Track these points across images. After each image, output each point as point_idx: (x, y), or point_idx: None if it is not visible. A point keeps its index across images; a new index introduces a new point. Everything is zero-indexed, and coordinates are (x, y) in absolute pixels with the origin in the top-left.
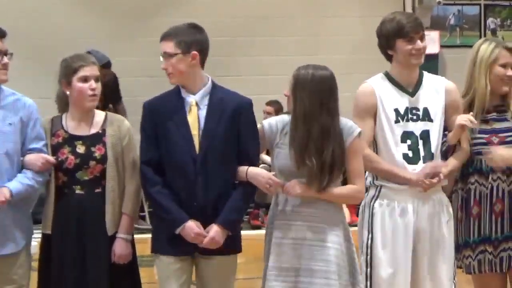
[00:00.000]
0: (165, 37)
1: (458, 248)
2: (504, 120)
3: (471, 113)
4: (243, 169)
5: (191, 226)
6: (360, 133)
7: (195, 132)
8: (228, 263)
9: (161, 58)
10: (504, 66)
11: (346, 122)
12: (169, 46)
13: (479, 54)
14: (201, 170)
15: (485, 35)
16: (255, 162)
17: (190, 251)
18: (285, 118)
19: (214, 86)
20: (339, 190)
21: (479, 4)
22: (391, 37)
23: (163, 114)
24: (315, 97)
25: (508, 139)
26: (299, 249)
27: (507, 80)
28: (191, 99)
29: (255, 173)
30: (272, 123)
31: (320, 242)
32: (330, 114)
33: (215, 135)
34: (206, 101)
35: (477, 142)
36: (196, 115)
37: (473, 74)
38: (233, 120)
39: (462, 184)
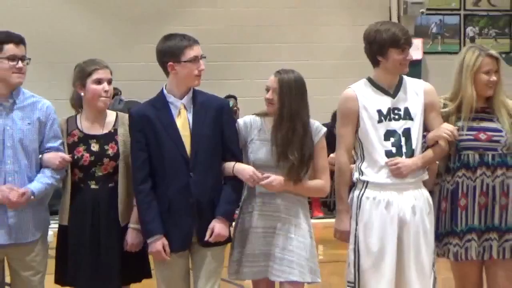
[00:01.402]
0: (197, 42)
1: (438, 236)
2: (491, 121)
3: (459, 123)
4: (229, 164)
5: (159, 245)
6: (325, 132)
7: (186, 133)
8: (221, 251)
9: (201, 62)
10: (487, 72)
11: (313, 122)
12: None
13: (465, 62)
14: (194, 169)
15: (464, 43)
16: (240, 158)
17: (185, 246)
18: (256, 118)
19: (194, 90)
20: (310, 183)
21: (459, 14)
22: (386, 45)
23: (151, 119)
24: (299, 97)
25: (495, 138)
26: (269, 237)
27: (490, 85)
28: (179, 103)
29: (241, 168)
30: (246, 121)
31: (287, 232)
32: (307, 113)
33: (203, 135)
34: (191, 104)
35: (465, 138)
36: (186, 118)
37: (460, 81)
38: (216, 120)
39: (449, 177)
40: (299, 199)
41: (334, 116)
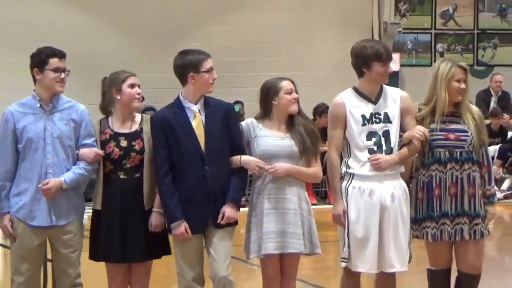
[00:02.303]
0: (210, 55)
1: (417, 221)
2: (459, 123)
3: (432, 125)
4: (236, 158)
5: (182, 229)
6: None
7: (200, 133)
8: (232, 231)
9: (214, 72)
10: (458, 81)
11: None
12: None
13: (439, 72)
14: (208, 162)
15: (435, 57)
16: (244, 152)
17: (202, 228)
18: (254, 120)
19: (205, 96)
20: (308, 169)
21: (430, 33)
22: (370, 59)
23: (170, 122)
24: None
25: (462, 138)
26: (281, 216)
27: (460, 92)
28: (194, 108)
29: (247, 160)
30: (248, 123)
31: (293, 211)
32: None
33: (215, 134)
34: (203, 108)
35: (437, 138)
36: (200, 120)
37: (435, 87)
38: (225, 121)
39: (424, 171)
40: (300, 184)
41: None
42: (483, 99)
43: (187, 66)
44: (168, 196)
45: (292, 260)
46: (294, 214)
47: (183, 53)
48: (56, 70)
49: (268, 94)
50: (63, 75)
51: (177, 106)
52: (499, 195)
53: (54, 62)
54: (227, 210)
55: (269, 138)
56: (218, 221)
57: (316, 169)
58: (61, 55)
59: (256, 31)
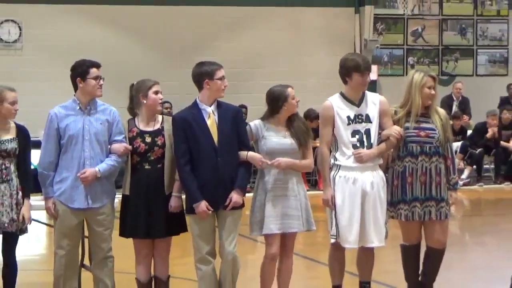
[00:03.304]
0: (222, 66)
1: (393, 204)
2: (428, 123)
3: (406, 124)
4: (243, 153)
5: (203, 206)
6: None
7: (214, 130)
8: (239, 213)
9: (226, 80)
10: (429, 88)
11: None
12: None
13: (414, 80)
14: (220, 155)
15: (406, 69)
16: (249, 146)
17: (215, 210)
18: (261, 121)
19: (217, 100)
20: (303, 161)
21: (403, 48)
22: (351, 70)
23: (189, 121)
24: None
25: (431, 135)
26: (283, 202)
27: (431, 97)
28: (209, 109)
29: (253, 156)
30: (256, 124)
31: (294, 197)
32: None
33: (226, 131)
34: (216, 110)
35: (410, 135)
36: (213, 120)
37: (410, 93)
38: (234, 121)
39: (399, 162)
40: (297, 173)
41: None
42: (446, 103)
43: (203, 74)
44: (189, 181)
45: (291, 237)
46: (294, 199)
47: (200, 64)
48: (96, 78)
49: (279, 99)
50: (101, 81)
51: (195, 108)
52: (460, 183)
53: (94, 71)
54: (235, 196)
55: (274, 138)
56: (226, 204)
57: (309, 161)
58: (98, 65)
59: (257, 47)
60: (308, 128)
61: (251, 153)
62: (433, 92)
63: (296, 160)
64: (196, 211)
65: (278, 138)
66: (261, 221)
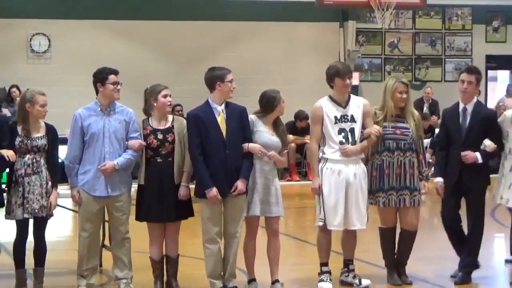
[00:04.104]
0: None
1: (372, 192)
2: (403, 122)
3: (385, 123)
4: (245, 145)
5: (214, 192)
6: None
7: (223, 126)
8: (243, 199)
9: (234, 83)
10: (400, 92)
11: None
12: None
13: (387, 86)
14: (228, 148)
15: (384, 76)
16: (251, 141)
17: (222, 196)
18: (255, 116)
19: (226, 101)
20: (283, 158)
21: (381, 57)
22: (333, 76)
23: (202, 118)
24: None
25: (405, 133)
26: (266, 189)
27: (401, 100)
28: (219, 108)
29: (253, 146)
30: (252, 118)
31: (273, 186)
32: None
33: (233, 127)
34: (225, 109)
35: (387, 133)
36: (223, 117)
37: (385, 97)
38: (239, 119)
39: (378, 156)
40: (275, 168)
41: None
42: (418, 106)
43: (215, 77)
44: (202, 170)
45: (274, 220)
46: (273, 188)
47: (212, 68)
48: (114, 83)
49: (273, 102)
50: (118, 86)
51: (207, 106)
52: (430, 174)
53: (112, 77)
54: (240, 184)
55: (265, 134)
56: (232, 191)
57: (285, 158)
58: (116, 72)
59: (255, 56)
60: (286, 133)
61: (251, 144)
62: (404, 96)
63: (278, 156)
64: (207, 196)
65: (268, 135)
66: (247, 204)
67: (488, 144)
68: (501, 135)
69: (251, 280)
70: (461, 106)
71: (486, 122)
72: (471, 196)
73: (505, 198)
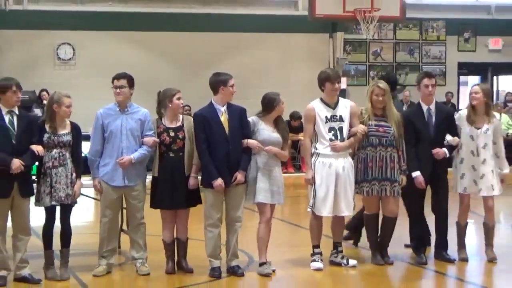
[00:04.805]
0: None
1: (357, 182)
2: (385, 121)
3: (369, 122)
4: (244, 141)
5: (220, 182)
6: None
7: (226, 125)
8: (243, 188)
9: (235, 87)
10: (376, 95)
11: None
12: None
13: (368, 90)
14: (230, 144)
15: (368, 80)
16: (250, 137)
17: (226, 186)
18: (256, 117)
19: (228, 102)
20: (284, 152)
21: (366, 64)
22: (323, 80)
23: (207, 117)
24: None
25: (387, 130)
26: (269, 179)
27: (378, 102)
28: (222, 109)
29: (251, 142)
30: (253, 119)
31: (275, 177)
32: None
33: (234, 126)
34: (227, 109)
35: (371, 130)
36: (226, 117)
37: (368, 100)
38: (240, 118)
39: (362, 151)
40: (277, 160)
41: (290, 117)
42: (397, 107)
43: (219, 82)
44: (208, 163)
45: (274, 207)
46: (278, 179)
47: (216, 73)
48: (115, 87)
49: (273, 103)
50: (118, 89)
51: (211, 107)
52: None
53: (114, 82)
54: (239, 175)
55: (266, 131)
56: (232, 181)
57: (286, 152)
58: (117, 77)
59: (254, 63)
60: (287, 130)
61: (250, 141)
62: (380, 98)
63: (279, 150)
64: (214, 186)
65: (269, 132)
66: (253, 193)
67: (452, 139)
68: (457, 129)
69: (263, 263)
70: (425, 107)
71: (449, 119)
72: (440, 183)
73: (462, 187)
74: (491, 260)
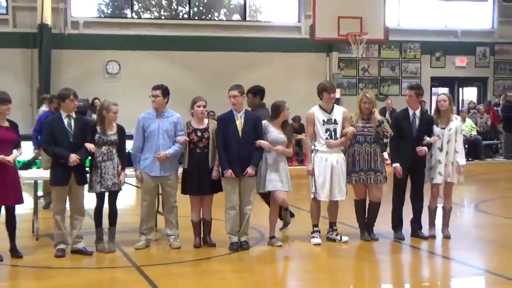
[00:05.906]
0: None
1: (348, 173)
2: (370, 123)
3: (357, 124)
4: (257, 141)
5: (229, 172)
6: None
7: (240, 128)
8: (254, 180)
9: (232, 98)
10: (364, 103)
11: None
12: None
13: (358, 99)
14: (243, 143)
15: (358, 91)
16: (262, 138)
17: (237, 177)
18: (267, 122)
19: (244, 109)
20: (289, 150)
21: (356, 78)
22: (321, 91)
23: (226, 121)
24: None
25: (371, 130)
26: (277, 172)
27: (366, 108)
28: (238, 115)
29: (263, 143)
30: (264, 123)
31: (282, 168)
32: None
33: (247, 130)
34: (243, 115)
35: (359, 130)
36: (241, 121)
37: (358, 106)
38: (253, 124)
39: (352, 147)
40: (284, 157)
41: (292, 121)
42: (381, 113)
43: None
44: (224, 157)
45: (285, 193)
46: (284, 171)
47: (235, 86)
48: (152, 95)
49: (279, 109)
50: (153, 98)
51: (230, 113)
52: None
53: (152, 91)
54: (249, 169)
55: (274, 133)
56: (244, 174)
57: (291, 150)
58: (154, 88)
59: (263, 77)
60: (292, 132)
61: (262, 141)
62: (367, 106)
63: (285, 148)
64: (224, 175)
65: (277, 133)
66: (264, 183)
67: (430, 138)
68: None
69: (272, 237)
70: (411, 111)
71: (428, 124)
72: (419, 174)
73: (430, 178)
74: (446, 237)
